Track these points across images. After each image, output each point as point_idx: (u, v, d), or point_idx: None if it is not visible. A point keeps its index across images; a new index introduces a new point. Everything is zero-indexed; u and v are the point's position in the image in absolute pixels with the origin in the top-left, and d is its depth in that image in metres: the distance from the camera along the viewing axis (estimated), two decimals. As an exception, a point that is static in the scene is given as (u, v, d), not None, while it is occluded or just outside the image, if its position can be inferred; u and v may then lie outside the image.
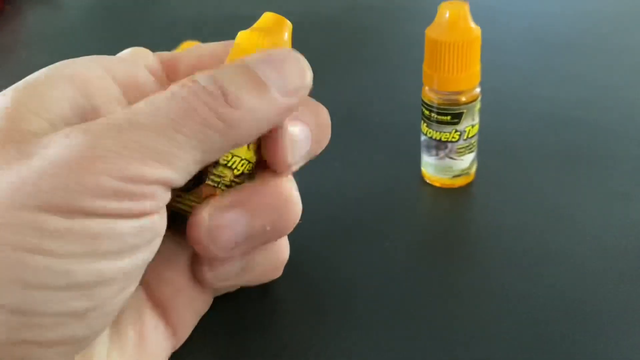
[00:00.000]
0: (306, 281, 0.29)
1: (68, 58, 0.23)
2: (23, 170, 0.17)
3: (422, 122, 0.33)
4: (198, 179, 0.22)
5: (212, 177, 0.23)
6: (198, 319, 0.26)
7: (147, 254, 0.20)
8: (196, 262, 0.24)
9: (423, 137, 0.34)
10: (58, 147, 0.18)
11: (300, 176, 0.35)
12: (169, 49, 0.28)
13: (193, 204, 0.23)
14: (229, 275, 0.25)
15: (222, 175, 0.23)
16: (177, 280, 0.24)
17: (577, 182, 0.34)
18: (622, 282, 0.28)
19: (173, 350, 0.25)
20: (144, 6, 0.62)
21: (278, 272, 0.28)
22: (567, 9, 0.55)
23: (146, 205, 0.19)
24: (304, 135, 0.24)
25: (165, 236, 0.21)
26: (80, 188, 0.17)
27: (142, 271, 0.20)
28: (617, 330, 0.26)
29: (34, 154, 0.18)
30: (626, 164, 0.35)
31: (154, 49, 0.27)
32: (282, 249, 0.27)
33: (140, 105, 0.19)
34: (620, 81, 0.43)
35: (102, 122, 0.19)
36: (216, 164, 0.23)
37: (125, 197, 0.18)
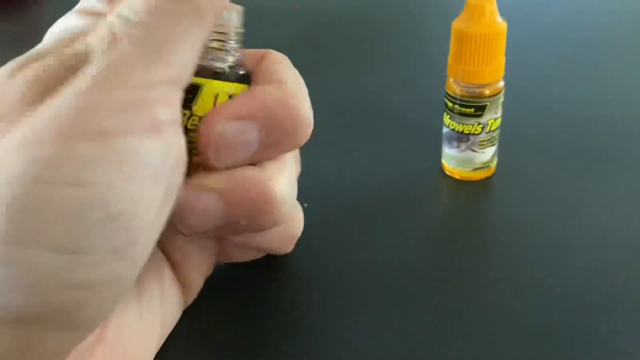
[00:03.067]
0: (323, 262, 0.30)
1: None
2: (42, 110, 0.18)
3: (445, 114, 0.34)
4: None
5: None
6: (203, 280, 0.27)
7: (175, 178, 0.20)
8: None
9: (445, 129, 0.34)
10: (69, 86, 0.18)
11: (320, 164, 0.36)
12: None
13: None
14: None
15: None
16: (186, 243, 0.25)
17: (596, 180, 0.34)
18: (637, 277, 0.28)
19: (184, 308, 0.26)
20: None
21: (288, 247, 0.28)
22: (590, 8, 0.55)
23: (160, 112, 0.19)
24: (244, 134, 0.22)
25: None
26: (97, 107, 0.17)
27: (172, 202, 0.20)
28: (633, 324, 0.26)
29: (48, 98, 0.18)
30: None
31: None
32: (294, 223, 0.27)
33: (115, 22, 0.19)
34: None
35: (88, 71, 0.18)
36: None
37: (139, 105, 0.18)
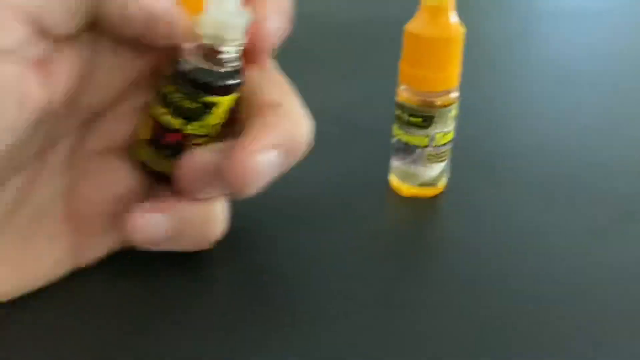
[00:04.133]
0: (249, 268, 0.28)
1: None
2: None
3: (395, 123, 0.32)
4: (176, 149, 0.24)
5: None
6: (105, 252, 0.26)
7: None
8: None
9: (393, 139, 0.32)
10: None
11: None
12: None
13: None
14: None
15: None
16: (99, 204, 0.25)
17: (552, 212, 0.32)
18: (584, 316, 0.26)
19: (72, 267, 0.26)
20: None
21: (204, 245, 0.27)
22: (569, 39, 0.53)
23: None
24: (273, 160, 0.23)
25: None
26: None
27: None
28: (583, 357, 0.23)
29: None
30: (608, 201, 0.33)
31: None
32: (212, 224, 0.26)
33: None
34: (618, 116, 0.41)
35: None
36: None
37: None
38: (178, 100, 0.23)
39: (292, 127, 0.23)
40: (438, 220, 0.32)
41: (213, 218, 0.26)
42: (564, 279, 0.28)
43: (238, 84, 0.24)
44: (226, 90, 0.23)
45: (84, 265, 0.26)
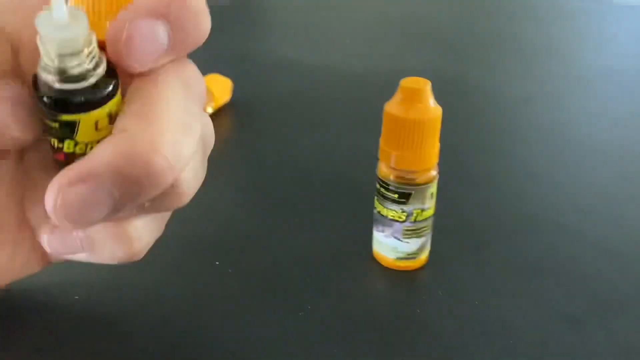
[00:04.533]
0: (220, 342, 0.29)
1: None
2: None
3: (375, 195, 0.32)
4: None
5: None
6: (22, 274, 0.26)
7: None
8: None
9: (374, 210, 0.32)
10: None
11: (256, 229, 0.35)
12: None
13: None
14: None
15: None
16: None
17: (530, 294, 0.31)
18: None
19: (40, 268, 0.26)
20: None
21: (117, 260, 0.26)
22: (554, 108, 0.51)
23: None
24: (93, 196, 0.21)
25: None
26: None
27: None
28: None
29: None
30: (585, 289, 0.32)
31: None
32: (114, 247, 0.25)
33: None
34: (617, 193, 0.40)
35: None
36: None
37: None
38: (43, 119, 0.22)
39: (124, 156, 0.21)
40: (415, 296, 0.31)
41: (126, 235, 0.25)
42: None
43: (102, 98, 0.22)
44: (85, 107, 0.21)
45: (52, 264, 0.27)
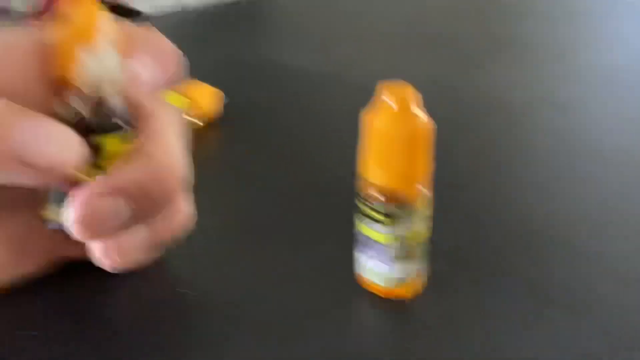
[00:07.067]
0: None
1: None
2: None
3: (356, 213, 0.29)
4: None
5: None
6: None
7: None
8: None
9: (356, 230, 0.29)
10: None
11: (237, 253, 0.32)
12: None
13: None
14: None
15: None
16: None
17: (541, 331, 0.28)
18: None
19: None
20: None
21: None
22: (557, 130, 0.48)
23: None
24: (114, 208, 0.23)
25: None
26: None
27: None
28: None
29: None
30: (603, 322, 0.28)
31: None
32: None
33: None
34: (633, 205, 0.36)
35: None
36: None
37: None
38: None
39: (148, 178, 0.24)
40: (409, 329, 0.28)
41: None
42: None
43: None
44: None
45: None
